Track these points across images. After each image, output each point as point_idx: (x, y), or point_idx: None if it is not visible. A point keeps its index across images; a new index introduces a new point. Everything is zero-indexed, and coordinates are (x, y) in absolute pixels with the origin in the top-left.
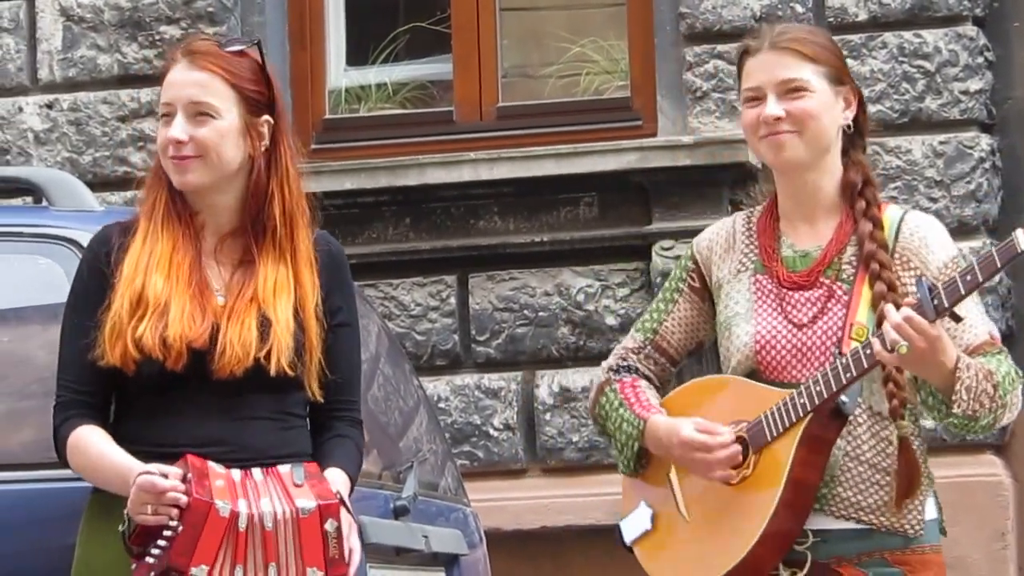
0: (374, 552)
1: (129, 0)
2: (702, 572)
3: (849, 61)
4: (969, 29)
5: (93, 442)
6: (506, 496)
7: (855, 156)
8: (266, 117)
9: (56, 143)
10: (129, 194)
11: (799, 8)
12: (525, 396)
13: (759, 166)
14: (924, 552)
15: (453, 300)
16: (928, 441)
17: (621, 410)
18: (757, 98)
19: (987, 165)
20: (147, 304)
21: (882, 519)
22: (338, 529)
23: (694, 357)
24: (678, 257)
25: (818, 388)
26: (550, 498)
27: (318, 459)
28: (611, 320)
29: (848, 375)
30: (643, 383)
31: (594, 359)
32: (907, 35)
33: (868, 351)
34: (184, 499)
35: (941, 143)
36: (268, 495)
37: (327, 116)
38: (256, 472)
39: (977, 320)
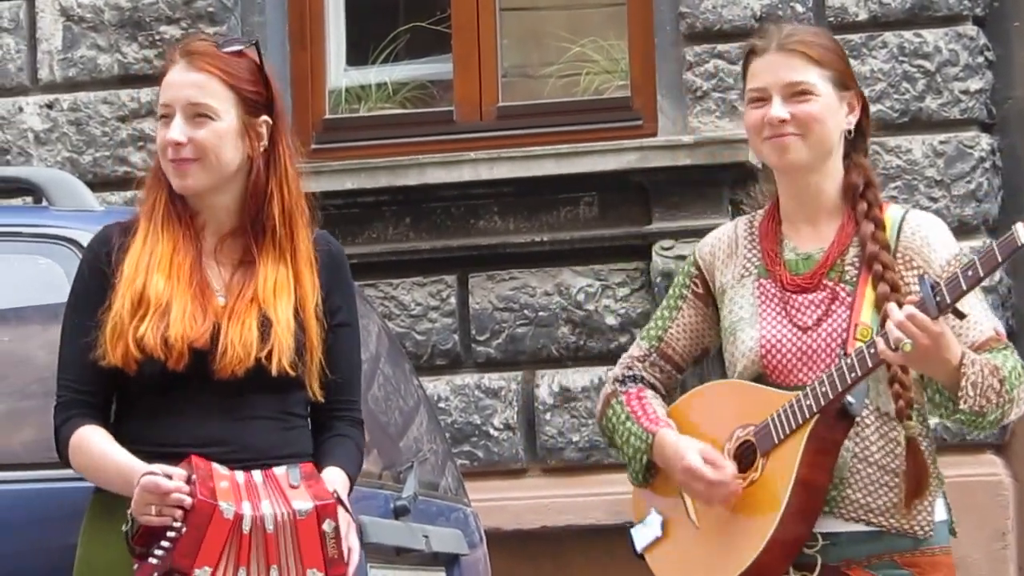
0: (374, 552)
1: (129, 0)
2: None
3: (849, 58)
4: (969, 29)
5: (95, 442)
6: (506, 496)
7: (857, 159)
8: (264, 117)
9: (56, 143)
10: (129, 194)
11: (799, 8)
12: (525, 396)
13: (759, 166)
14: (934, 554)
15: (453, 300)
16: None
17: (628, 423)
18: (762, 99)
19: (987, 165)
20: (148, 304)
21: (892, 521)
22: (336, 529)
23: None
24: (678, 257)
25: (824, 389)
26: (550, 498)
27: (318, 458)
28: (611, 320)
29: (853, 375)
30: (649, 393)
31: (594, 359)
32: (907, 35)
33: (872, 350)
34: (188, 500)
35: (941, 143)
36: (268, 497)
37: (327, 116)
38: (256, 474)
39: (982, 316)
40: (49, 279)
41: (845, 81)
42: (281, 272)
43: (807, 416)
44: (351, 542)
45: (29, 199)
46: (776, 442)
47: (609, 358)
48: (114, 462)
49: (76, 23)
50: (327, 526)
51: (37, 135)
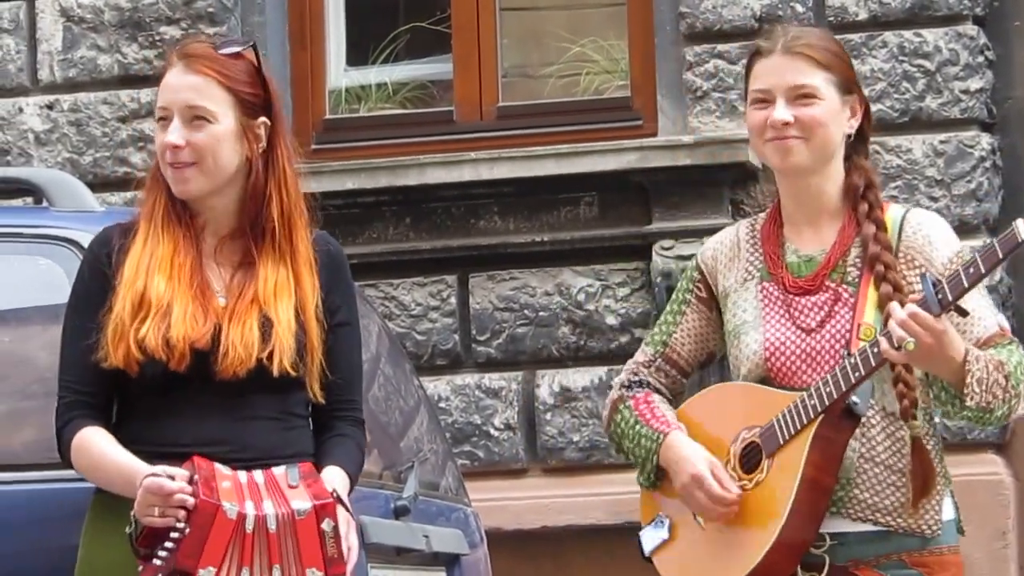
0: (375, 552)
1: (129, 0)
2: None
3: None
4: (969, 28)
5: (97, 443)
6: (507, 496)
7: (858, 160)
8: (263, 119)
9: (56, 144)
10: (129, 194)
11: (799, 7)
12: (526, 396)
13: (759, 166)
14: (942, 553)
15: (453, 300)
16: None
17: (638, 427)
18: (765, 100)
19: (987, 164)
20: (149, 305)
21: (899, 520)
22: (335, 528)
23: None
24: (679, 257)
25: (828, 389)
26: (551, 498)
27: (319, 458)
28: (611, 320)
29: (857, 374)
30: (656, 397)
31: (595, 359)
32: (907, 34)
33: (875, 349)
34: (191, 501)
35: (941, 142)
36: (269, 497)
37: (327, 116)
38: (257, 474)
39: (985, 313)
40: (49, 280)
41: (849, 85)
42: (281, 273)
43: (811, 416)
44: (351, 541)
45: (29, 200)
46: (781, 443)
47: (609, 358)
48: (116, 463)
49: (76, 24)
50: (326, 525)
51: (37, 136)
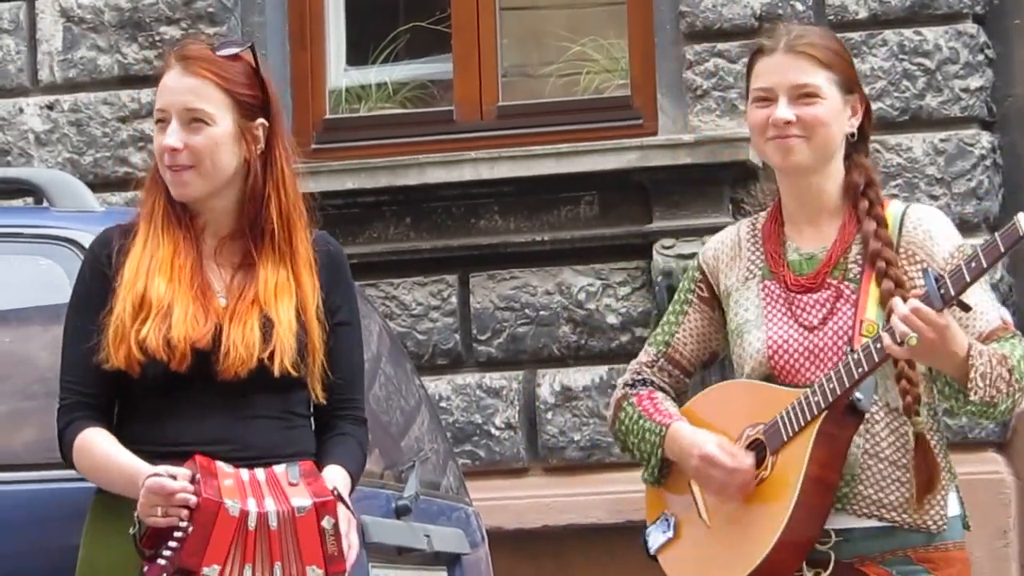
0: (376, 552)
1: (129, 1)
2: None
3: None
4: (969, 27)
5: (99, 444)
6: (508, 495)
7: (858, 159)
8: (261, 120)
9: (57, 144)
10: (130, 195)
11: (799, 6)
12: (526, 395)
13: (760, 164)
14: (948, 549)
15: (454, 299)
16: None
17: (641, 421)
18: (767, 99)
19: (988, 162)
20: (150, 306)
21: (904, 516)
22: (335, 526)
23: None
24: (679, 256)
25: (831, 385)
26: (552, 497)
27: (320, 457)
28: (612, 319)
29: (860, 370)
30: (660, 394)
31: (595, 358)
32: (907, 33)
33: (878, 345)
34: (193, 499)
35: (942, 140)
36: (271, 495)
37: (327, 116)
38: (259, 472)
39: (988, 307)
40: (50, 280)
41: (850, 84)
42: (281, 274)
43: (815, 413)
44: (351, 539)
45: (30, 200)
46: (785, 440)
47: (610, 357)
48: (118, 464)
49: (76, 24)
50: (326, 523)
51: (38, 136)
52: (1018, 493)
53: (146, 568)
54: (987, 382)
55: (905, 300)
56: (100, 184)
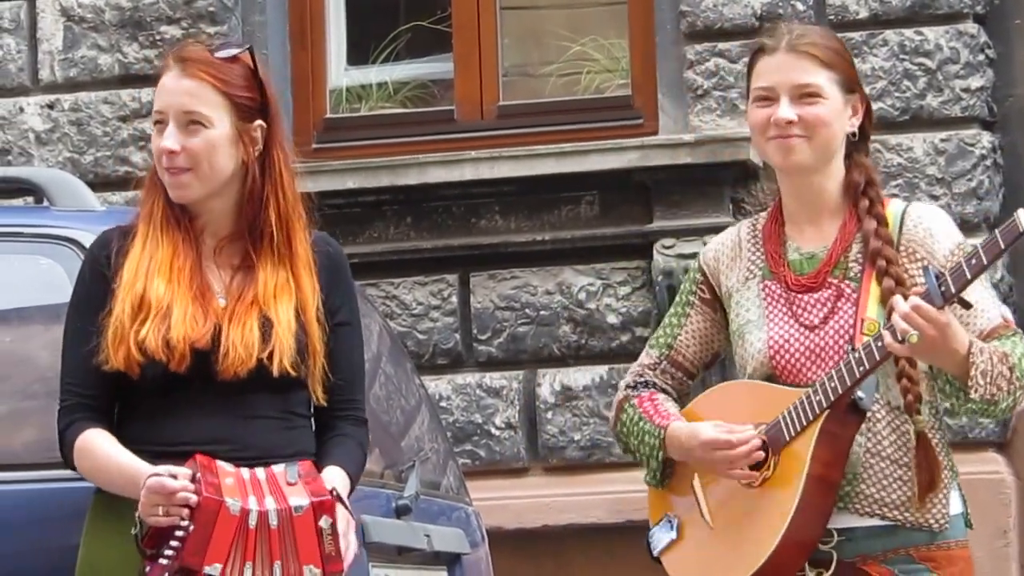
0: (376, 551)
1: (130, 0)
2: None
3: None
4: (970, 26)
5: (100, 445)
6: (508, 495)
7: (858, 158)
8: (259, 122)
9: (57, 143)
10: (130, 194)
11: (800, 6)
12: (527, 395)
13: (760, 164)
14: (950, 547)
15: (454, 299)
16: None
17: (642, 423)
18: (769, 98)
19: (988, 162)
20: (149, 307)
21: (907, 515)
22: (332, 526)
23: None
24: (680, 255)
25: (832, 384)
26: (552, 497)
27: (320, 458)
28: (612, 319)
29: (861, 368)
30: (661, 396)
31: (596, 358)
32: (908, 32)
33: (879, 343)
34: (194, 499)
35: (942, 140)
36: (270, 494)
37: (328, 115)
38: (259, 471)
39: (989, 305)
40: (50, 279)
41: (851, 84)
42: (281, 276)
43: (817, 412)
44: (350, 539)
45: (30, 199)
46: (787, 439)
47: (611, 357)
48: (119, 465)
49: (77, 23)
50: (323, 523)
51: (38, 135)
52: (1018, 493)
53: (148, 568)
54: (988, 380)
55: (906, 298)
56: (101, 183)
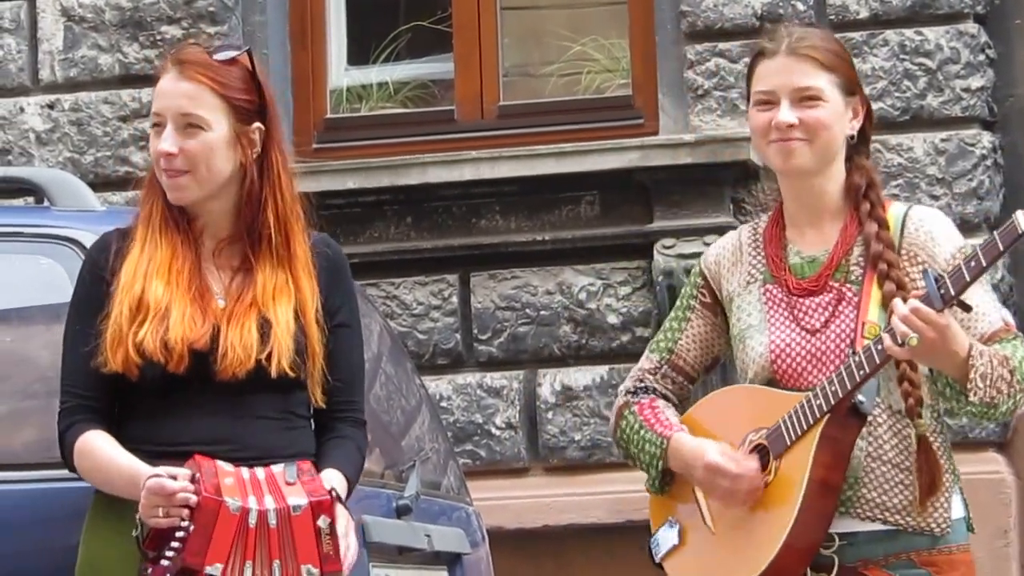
0: (377, 551)
1: (130, 0)
2: None
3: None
4: (970, 26)
5: (100, 447)
6: (508, 495)
7: (859, 161)
8: (257, 124)
9: (58, 143)
10: (131, 194)
11: (800, 6)
12: (527, 395)
13: (761, 165)
14: (951, 552)
15: (455, 299)
16: None
17: (642, 432)
18: (769, 102)
19: (989, 162)
20: (147, 309)
21: (908, 519)
22: (331, 525)
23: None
24: (680, 255)
25: (833, 388)
26: (552, 497)
27: (318, 460)
28: (613, 319)
29: (861, 372)
30: (661, 403)
31: (596, 358)
32: (908, 32)
33: (879, 347)
34: (194, 499)
35: (943, 140)
36: (270, 493)
37: (328, 115)
38: (259, 470)
39: (989, 308)
40: (50, 279)
41: (851, 86)
42: (280, 277)
43: (818, 416)
44: (350, 540)
45: (31, 199)
46: (788, 444)
47: (611, 357)
48: (118, 466)
49: (77, 23)
50: (322, 522)
51: (38, 135)
52: (1018, 493)
53: (150, 570)
54: (988, 383)
55: (905, 301)
56: (101, 183)
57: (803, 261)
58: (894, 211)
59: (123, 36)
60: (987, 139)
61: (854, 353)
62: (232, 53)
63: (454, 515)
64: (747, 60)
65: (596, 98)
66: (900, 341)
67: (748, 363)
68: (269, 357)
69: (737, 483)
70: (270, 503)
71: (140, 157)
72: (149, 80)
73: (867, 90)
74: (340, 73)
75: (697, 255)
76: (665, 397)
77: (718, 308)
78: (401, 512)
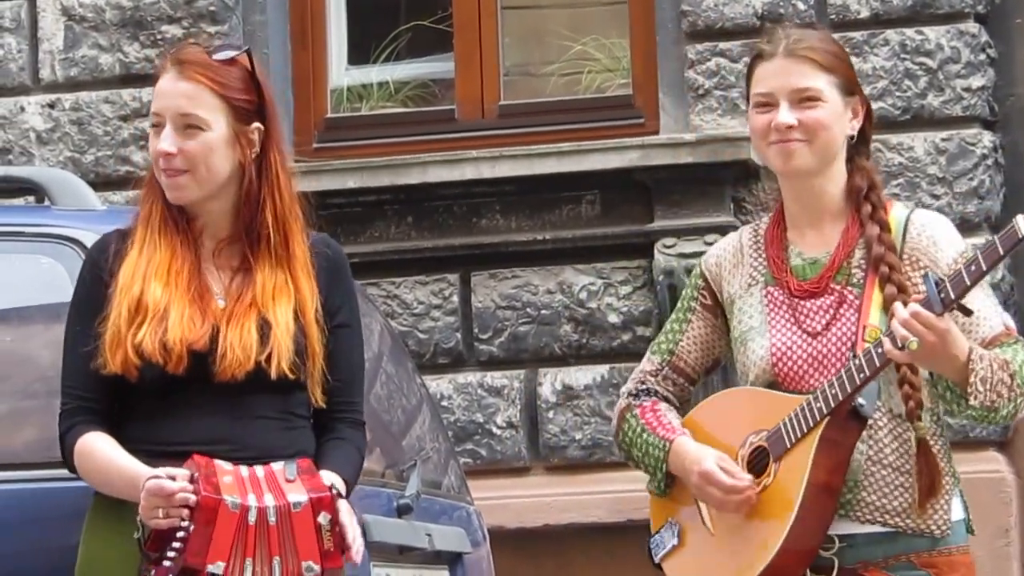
0: (378, 550)
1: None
2: None
3: (851, 58)
4: (971, 26)
5: (100, 448)
6: (509, 494)
7: (860, 162)
8: (256, 124)
9: (58, 143)
10: (131, 193)
11: (801, 5)
12: (528, 394)
13: (761, 165)
14: (951, 553)
15: (456, 298)
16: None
17: (645, 435)
18: (768, 104)
19: (989, 162)
20: (146, 310)
21: (908, 521)
22: (331, 522)
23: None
24: (681, 255)
25: (833, 391)
26: (553, 496)
27: (317, 461)
28: (613, 318)
29: (862, 375)
30: (663, 406)
31: (597, 357)
32: (909, 32)
33: (879, 350)
34: (193, 499)
35: (943, 140)
36: (269, 491)
37: (329, 115)
38: (258, 469)
39: (990, 312)
40: (51, 279)
41: (850, 87)
42: (279, 278)
43: (818, 419)
44: (356, 532)
45: (31, 199)
46: (788, 446)
47: (612, 356)
48: (118, 468)
49: (77, 23)
50: (322, 519)
51: (39, 135)
52: (1019, 492)
53: (152, 571)
54: (988, 387)
55: (906, 305)
56: (101, 183)
57: (804, 263)
58: (896, 214)
59: (123, 35)
60: (988, 139)
61: (855, 356)
62: (231, 53)
63: (455, 514)
64: (747, 60)
65: (597, 98)
66: (900, 345)
67: (749, 365)
68: (268, 359)
69: (727, 495)
70: (269, 500)
71: (140, 157)
72: (149, 80)
73: (867, 90)
74: (340, 73)
75: (698, 254)
76: (666, 399)
77: (719, 310)
78: (402, 511)
